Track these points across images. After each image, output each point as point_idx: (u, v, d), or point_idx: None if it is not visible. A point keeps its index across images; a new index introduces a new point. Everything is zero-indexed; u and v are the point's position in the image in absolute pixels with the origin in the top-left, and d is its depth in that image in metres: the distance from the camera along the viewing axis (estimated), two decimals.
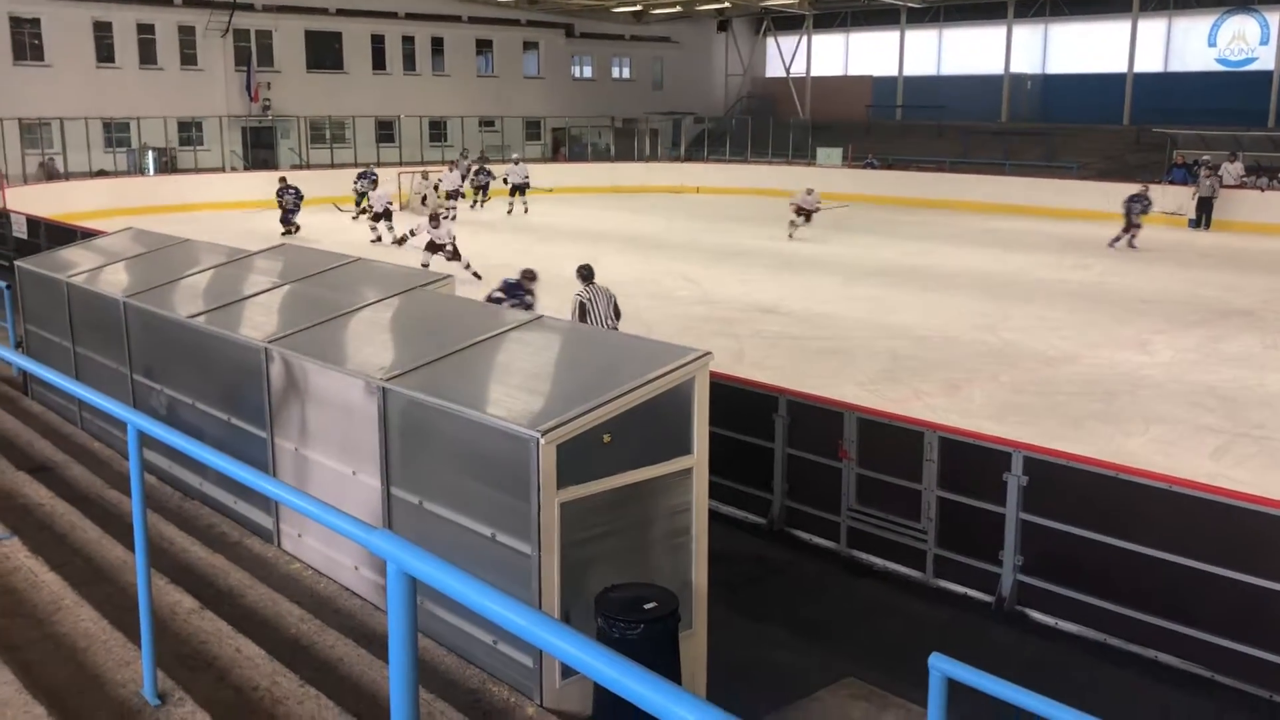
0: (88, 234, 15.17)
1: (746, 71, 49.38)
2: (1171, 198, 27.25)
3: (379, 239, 23.38)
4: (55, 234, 18.40)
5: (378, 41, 39.55)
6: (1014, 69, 41.47)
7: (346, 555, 5.76)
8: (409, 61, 40.50)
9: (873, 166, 36.22)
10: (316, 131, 37.23)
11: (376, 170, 29.82)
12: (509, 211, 29.94)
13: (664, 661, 4.63)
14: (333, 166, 35.05)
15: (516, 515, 4.75)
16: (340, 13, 38.29)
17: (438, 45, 41.12)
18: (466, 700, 4.60)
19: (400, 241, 20.44)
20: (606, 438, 4.87)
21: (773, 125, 41.95)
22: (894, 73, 45.03)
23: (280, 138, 37.17)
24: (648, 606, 4.65)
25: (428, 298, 7.07)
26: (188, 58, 35.43)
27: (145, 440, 3.71)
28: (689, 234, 26.51)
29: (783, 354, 13.78)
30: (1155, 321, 15.74)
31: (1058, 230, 26.79)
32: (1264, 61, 35.70)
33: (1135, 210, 23.74)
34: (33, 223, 20.46)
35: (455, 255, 18.48)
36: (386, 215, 23.91)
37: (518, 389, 5.38)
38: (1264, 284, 19.16)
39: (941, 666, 3.96)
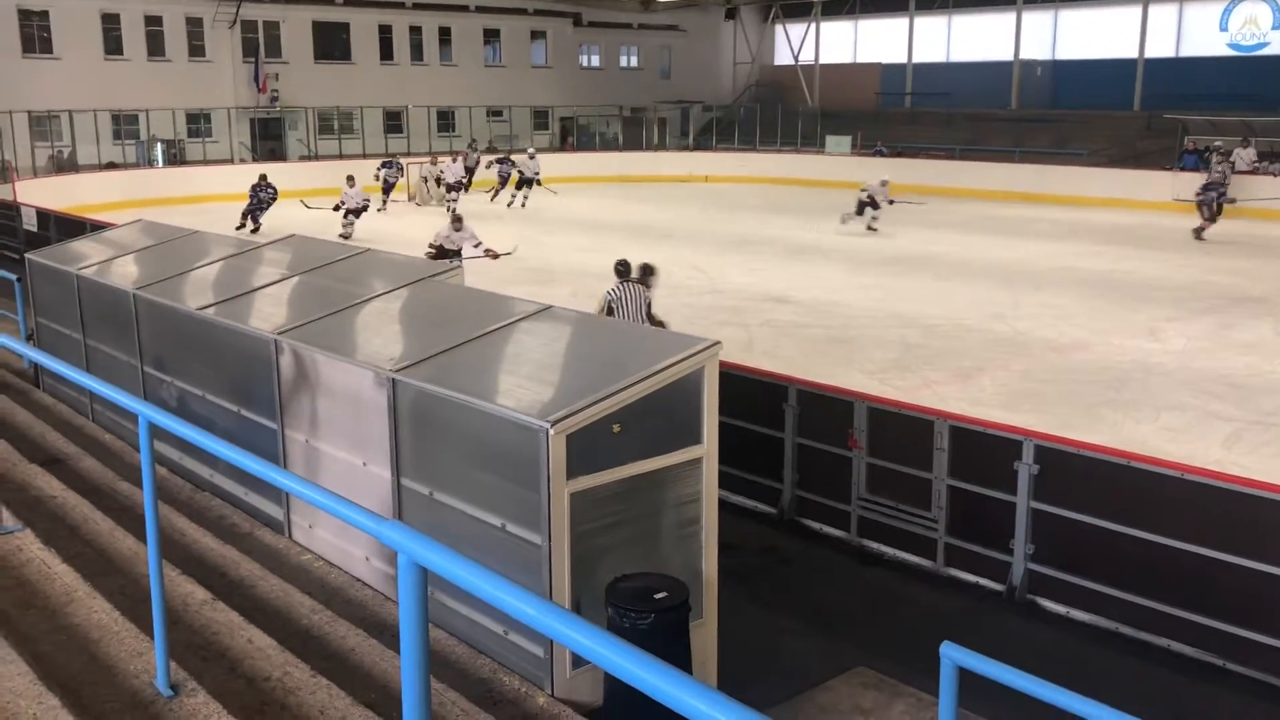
0: (97, 226, 15.21)
1: (755, 59, 49.20)
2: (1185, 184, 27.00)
3: (347, 237, 22.17)
4: (65, 226, 18.45)
5: (385, 32, 39.51)
6: (1023, 55, 41.20)
7: (357, 546, 5.78)
8: (416, 52, 40.46)
9: (881, 154, 36.08)
10: (324, 122, 37.24)
11: (401, 160, 29.68)
12: (509, 204, 29.67)
13: (675, 651, 4.63)
14: (341, 157, 35.05)
15: (527, 506, 4.76)
16: (347, 3, 38.29)
17: (445, 35, 41.07)
18: (478, 690, 4.61)
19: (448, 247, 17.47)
20: (616, 428, 4.87)
21: (781, 113, 41.82)
22: (903, 60, 44.82)
23: (288, 129, 37.19)
24: (658, 596, 4.65)
25: (437, 288, 7.07)
26: (196, 49, 35.45)
27: (156, 432, 3.72)
28: (697, 223, 26.46)
29: (792, 343, 13.76)
30: (1166, 309, 15.67)
31: (1068, 217, 26.68)
32: (1276, 46, 35.43)
33: (1212, 199, 23.18)
34: (43, 215, 20.52)
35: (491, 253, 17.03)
36: (362, 211, 23.24)
37: (527, 379, 5.38)
38: (1276, 270, 19.07)
39: (953, 655, 3.95)
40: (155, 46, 34.70)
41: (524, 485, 4.77)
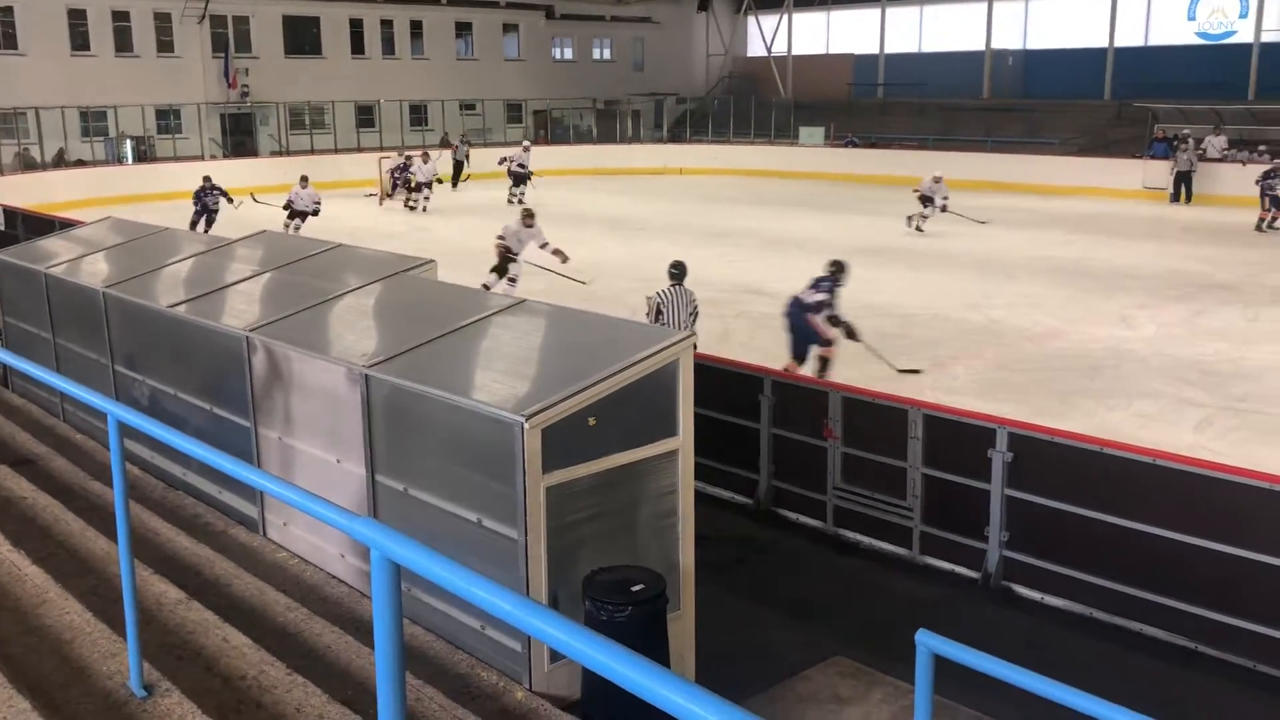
0: (66, 224, 15.05)
1: (728, 51, 49.20)
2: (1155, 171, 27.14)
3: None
4: (33, 225, 18.25)
5: (356, 26, 39.26)
6: (995, 45, 41.40)
7: (332, 543, 5.75)
8: (388, 45, 40.23)
9: (853, 145, 36.19)
10: (296, 118, 36.97)
11: (413, 155, 29.26)
12: (509, 200, 28.77)
13: (652, 643, 4.64)
14: (313, 153, 34.83)
15: (502, 500, 4.74)
16: None
17: (417, 29, 40.85)
18: (455, 685, 4.60)
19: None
20: (591, 421, 4.86)
21: (755, 105, 41.84)
22: (875, 51, 44.93)
23: (259, 124, 36.91)
24: (635, 589, 4.65)
25: (410, 283, 7.04)
26: (164, 45, 35.10)
27: (128, 432, 3.69)
28: (673, 215, 26.45)
29: (768, 335, 13.76)
30: (1138, 296, 15.80)
31: (1040, 206, 26.84)
32: (1243, 34, 35.75)
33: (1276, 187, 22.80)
34: (10, 214, 20.29)
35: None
36: (309, 215, 22.04)
37: (502, 373, 5.37)
38: (1245, 257, 19.25)
39: (928, 643, 3.97)
40: (123, 42, 34.34)
41: (499, 480, 4.76)
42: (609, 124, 43.27)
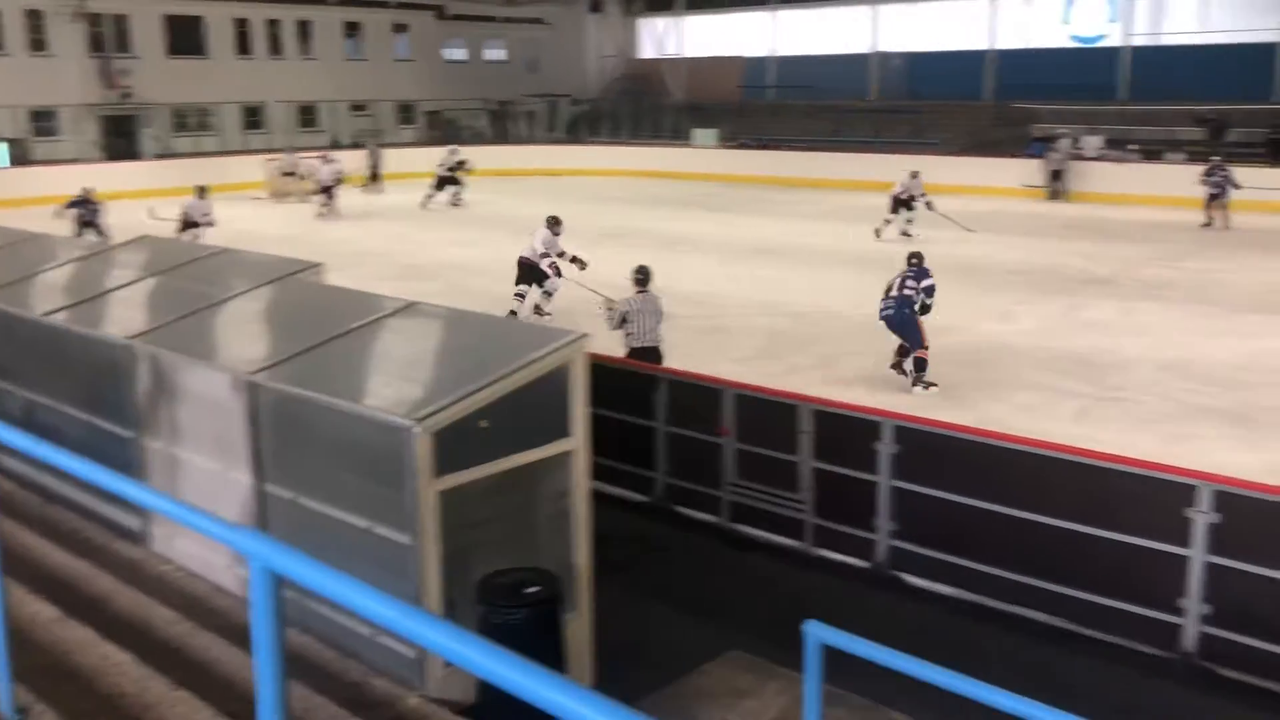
0: None
1: (620, 52, 49.35)
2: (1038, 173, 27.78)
3: None
4: None
5: (241, 26, 38.28)
6: (881, 48, 42.33)
7: (220, 554, 5.61)
8: (275, 46, 39.33)
9: (745, 146, 36.65)
10: (180, 119, 35.93)
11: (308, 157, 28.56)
12: (451, 204, 28.24)
13: (546, 645, 4.65)
14: (199, 155, 33.89)
15: (394, 506, 4.70)
16: None
17: (304, 29, 40.02)
18: (347, 694, 4.54)
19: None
20: (483, 423, 4.85)
21: (648, 106, 42.07)
22: (766, 53, 45.53)
23: (142, 126, 35.75)
24: (530, 591, 4.66)
25: (298, 287, 6.92)
26: (37, 43, 33.74)
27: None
28: (570, 216, 26.25)
29: (665, 333, 13.86)
30: (1019, 292, 16.32)
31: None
32: (1114, 38, 37.19)
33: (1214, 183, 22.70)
34: None
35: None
36: (191, 225, 20.45)
37: (392, 377, 5.32)
38: (1120, 253, 20.02)
39: (816, 634, 4.06)
40: None
41: (390, 485, 4.71)
42: (503, 125, 43.04)
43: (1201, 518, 5.94)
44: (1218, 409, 10.56)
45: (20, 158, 31.96)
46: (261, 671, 2.33)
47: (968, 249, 20.50)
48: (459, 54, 45.43)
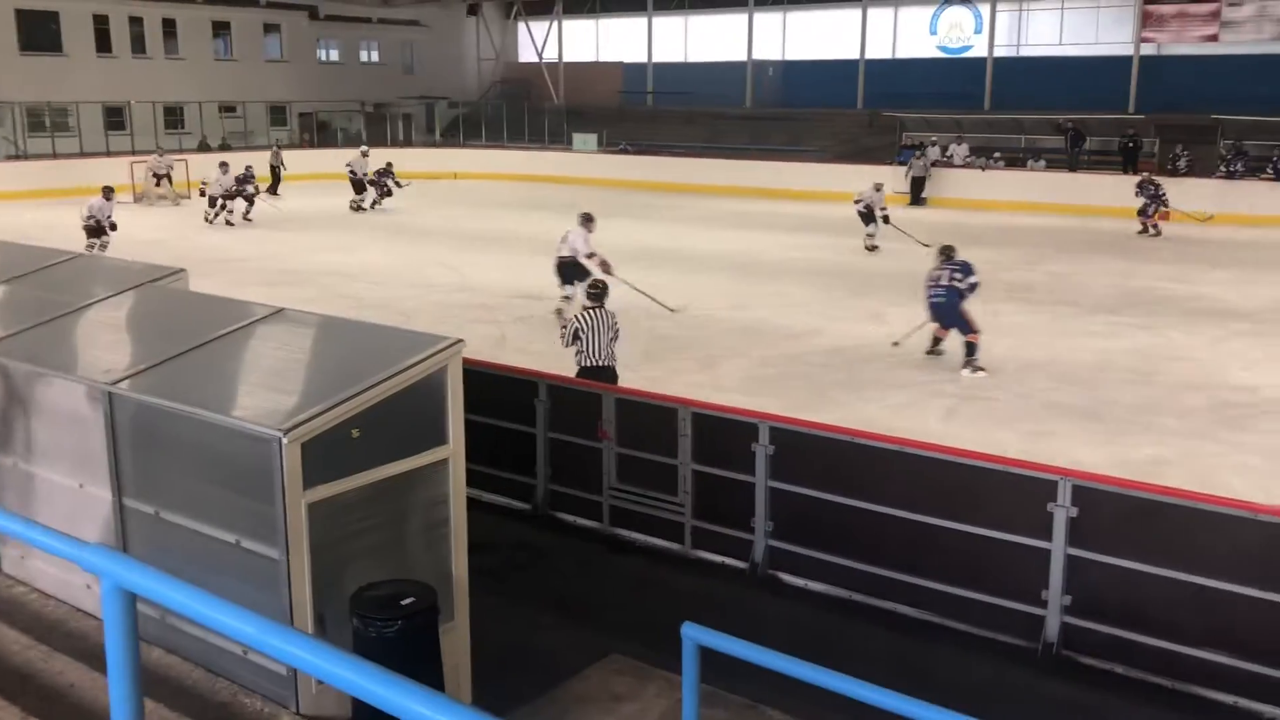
0: None
1: (499, 56, 49.10)
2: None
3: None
4: None
5: (101, 23, 36.87)
6: (756, 56, 43.04)
7: (78, 574, 5.36)
8: (138, 44, 37.99)
9: (625, 151, 36.85)
10: (35, 119, 34.36)
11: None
12: (371, 206, 27.45)
13: (423, 657, 4.58)
14: (55, 156, 32.52)
15: (261, 519, 4.56)
16: None
17: (170, 27, 38.77)
18: (217, 714, 4.40)
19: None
20: (355, 433, 4.74)
21: (528, 110, 41.94)
22: (644, 59, 45.85)
23: None
24: (405, 602, 4.57)
25: (160, 294, 6.67)
26: None
27: None
28: (448, 220, 26.19)
29: (545, 339, 13.82)
30: (890, 295, 16.75)
31: (801, 211, 28.07)
32: (979, 49, 38.57)
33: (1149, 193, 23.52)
34: None
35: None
36: (100, 231, 19.27)
37: (258, 386, 5.17)
38: (984, 256, 20.51)
39: (694, 635, 4.10)
40: None
41: (258, 498, 4.57)
42: (379, 127, 42.37)
43: (1061, 512, 6.19)
44: (1075, 406, 11.02)
45: None
46: (115, 693, 2.25)
47: (841, 254, 20.98)
48: (333, 55, 44.57)
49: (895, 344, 13.27)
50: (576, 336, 9.55)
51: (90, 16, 36.48)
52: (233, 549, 4.71)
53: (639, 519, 7.92)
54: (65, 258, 7.58)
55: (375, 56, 45.97)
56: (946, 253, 12.84)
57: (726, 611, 6.77)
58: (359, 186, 27.56)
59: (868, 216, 21.01)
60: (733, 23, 43.36)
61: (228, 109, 39.09)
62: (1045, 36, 37.79)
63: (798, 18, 42.54)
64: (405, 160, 37.59)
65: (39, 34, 35.37)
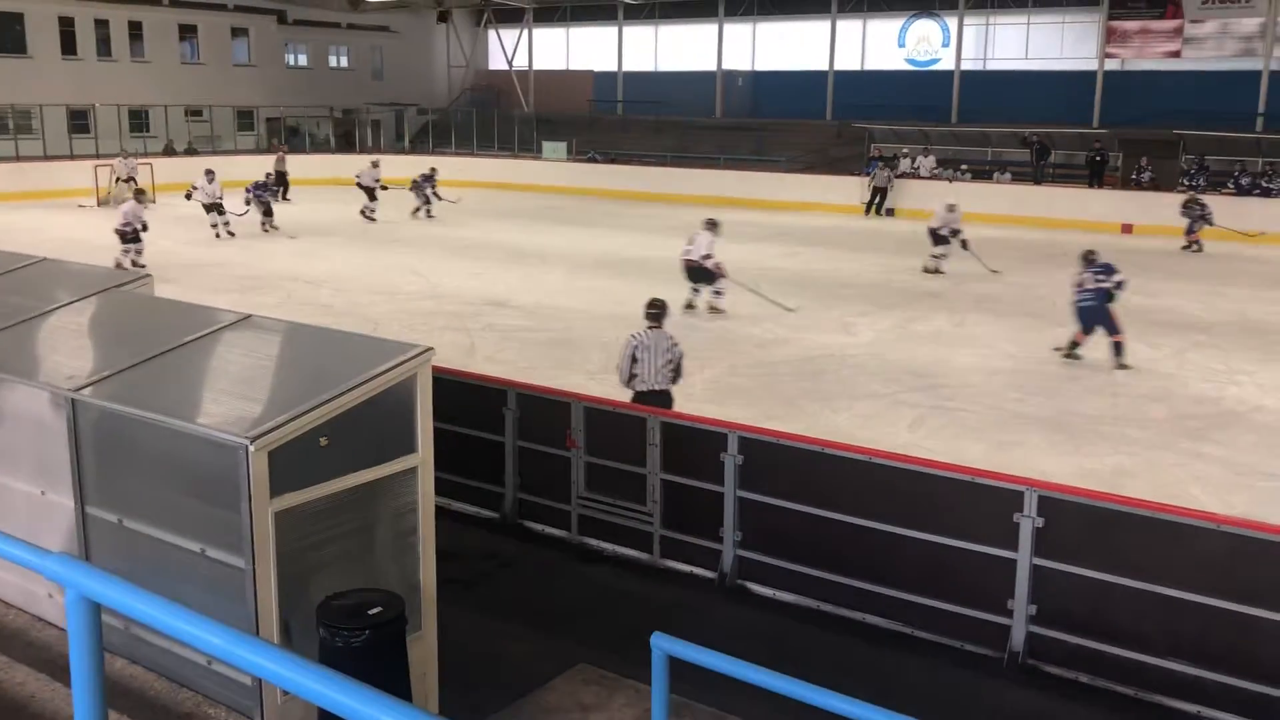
0: None
1: (469, 63, 49.00)
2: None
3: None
4: None
5: (67, 25, 36.45)
6: (726, 66, 43.22)
7: (40, 584, 5.30)
8: (104, 46, 37.59)
9: (594, 160, 36.88)
10: None
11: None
12: (369, 216, 26.62)
13: (390, 667, 4.55)
14: (18, 159, 32.11)
15: (227, 528, 4.52)
16: None
17: (136, 30, 38.39)
18: None
19: None
20: (323, 441, 4.71)
21: (497, 118, 41.87)
22: (614, 68, 45.92)
23: None
24: (372, 612, 4.54)
25: (125, 299, 6.60)
26: None
27: None
28: (417, 228, 26.08)
29: (515, 347, 13.82)
30: (857, 304, 16.86)
31: (769, 220, 28.17)
32: (946, 62, 38.93)
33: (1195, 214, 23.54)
34: None
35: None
36: (136, 238, 18.86)
37: (225, 394, 5.12)
38: (951, 267, 20.87)
39: (662, 645, 4.10)
40: None
41: (224, 506, 4.53)
42: (348, 133, 42.17)
43: (1027, 522, 6.24)
44: (1040, 417, 11.12)
45: None
46: (79, 704, 2.21)
47: (810, 264, 21.10)
48: (302, 60, 44.31)
49: (1058, 350, 13.73)
50: (635, 357, 8.88)
51: (56, 18, 36.08)
52: (198, 558, 4.66)
53: (608, 528, 7.91)
54: (27, 262, 7.48)
55: (344, 62, 45.74)
56: (1089, 257, 13.40)
57: (695, 621, 6.78)
58: (370, 194, 26.96)
59: (940, 238, 19.72)
60: (703, 33, 43.53)
61: (194, 113, 38.75)
62: (1011, 50, 38.21)
63: (767, 29, 42.76)
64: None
65: (3, 36, 34.95)
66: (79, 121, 35.40)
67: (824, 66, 41.00)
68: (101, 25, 37.42)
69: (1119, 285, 13.17)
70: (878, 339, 14.60)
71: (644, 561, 7.72)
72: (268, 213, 24.66)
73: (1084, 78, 36.08)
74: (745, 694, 4.44)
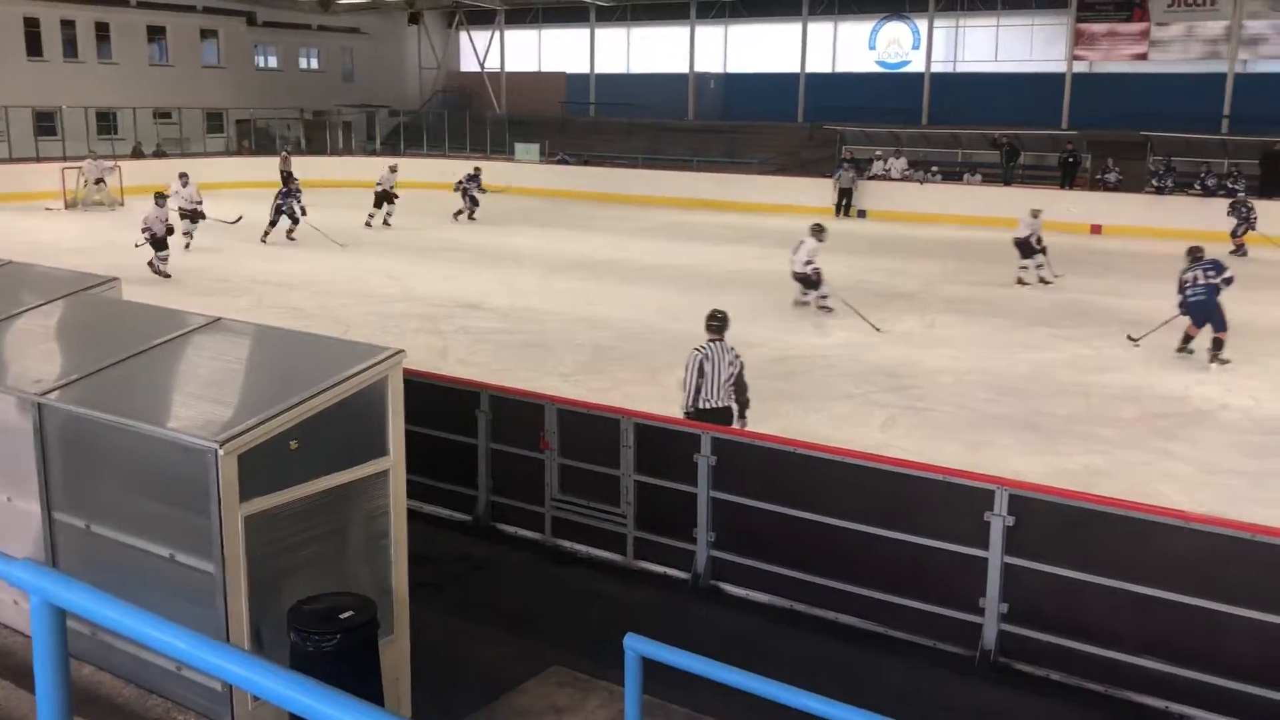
0: None
1: (440, 65, 48.85)
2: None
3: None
4: None
5: (32, 25, 36.06)
6: (698, 68, 43.30)
7: (5, 590, 5.23)
8: (70, 48, 37.22)
9: (565, 162, 36.86)
10: None
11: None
12: (368, 223, 26.04)
13: (362, 671, 4.51)
14: None
15: (197, 533, 4.48)
16: None
17: (103, 31, 38.03)
18: None
19: None
20: (293, 444, 4.68)
21: (469, 120, 41.77)
22: (586, 70, 45.90)
23: None
24: (344, 616, 4.51)
25: (93, 303, 6.53)
26: None
27: None
28: (389, 230, 25.97)
29: (488, 349, 13.78)
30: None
31: (742, 223, 28.27)
32: (917, 64, 39.17)
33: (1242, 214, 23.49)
34: None
35: None
36: (163, 243, 18.48)
37: (194, 397, 5.07)
38: (922, 269, 21.03)
39: (636, 646, 4.09)
40: None
41: (193, 511, 4.49)
42: (319, 135, 41.93)
43: (998, 521, 6.27)
44: (1012, 417, 11.20)
45: None
46: (44, 712, 2.18)
47: (782, 265, 21.11)
48: (272, 62, 44.04)
49: (1134, 340, 14.02)
50: (701, 370, 8.37)
51: (21, 19, 35.68)
52: (167, 563, 4.62)
53: (581, 530, 7.89)
54: None
55: (315, 64, 45.50)
56: (1194, 253, 13.59)
57: (668, 622, 6.78)
58: (383, 199, 26.15)
59: (1028, 248, 18.88)
60: (675, 34, 43.58)
61: (163, 115, 38.42)
62: (981, 53, 38.47)
63: (739, 31, 42.87)
64: (345, 169, 37.32)
65: None
66: (45, 124, 35.02)
67: (796, 69, 41.15)
68: (68, 26, 37.05)
69: (1228, 282, 13.33)
70: (851, 340, 14.66)
71: (617, 563, 7.72)
72: (294, 220, 23.31)
73: (1053, 80, 36.38)
74: (719, 694, 4.45)
